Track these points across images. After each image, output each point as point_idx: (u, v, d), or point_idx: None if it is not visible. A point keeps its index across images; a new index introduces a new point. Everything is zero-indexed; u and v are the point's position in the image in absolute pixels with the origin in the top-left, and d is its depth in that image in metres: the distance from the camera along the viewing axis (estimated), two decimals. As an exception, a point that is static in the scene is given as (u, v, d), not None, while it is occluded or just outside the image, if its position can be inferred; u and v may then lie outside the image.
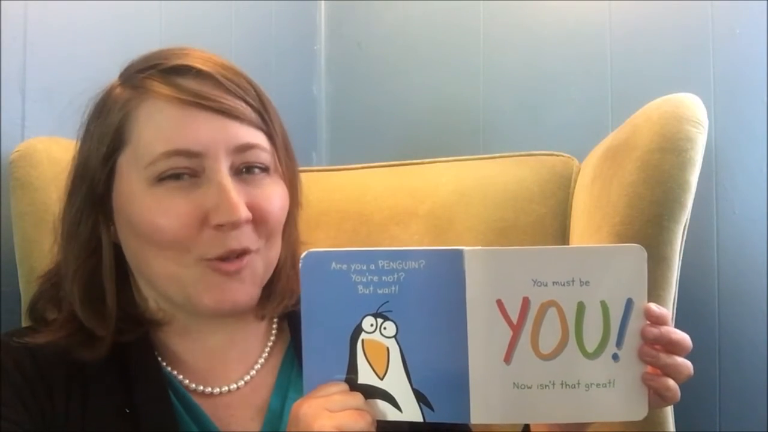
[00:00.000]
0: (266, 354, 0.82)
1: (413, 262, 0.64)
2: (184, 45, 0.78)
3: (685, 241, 0.91)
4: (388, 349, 0.65)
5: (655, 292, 0.87)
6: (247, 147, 0.73)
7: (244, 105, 0.74)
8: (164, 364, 0.77)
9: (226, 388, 0.78)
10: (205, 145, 0.71)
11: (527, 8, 1.34)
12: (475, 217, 1.08)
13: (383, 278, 0.64)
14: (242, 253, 0.73)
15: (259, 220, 0.74)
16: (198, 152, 0.71)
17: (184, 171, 0.72)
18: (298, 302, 0.81)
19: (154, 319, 0.77)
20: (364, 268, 0.64)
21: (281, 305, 0.81)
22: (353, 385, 0.65)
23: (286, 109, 0.83)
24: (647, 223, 0.88)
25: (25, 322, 0.96)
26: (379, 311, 0.65)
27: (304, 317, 0.66)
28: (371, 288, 0.65)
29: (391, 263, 0.64)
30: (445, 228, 1.09)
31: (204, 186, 0.72)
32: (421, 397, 0.65)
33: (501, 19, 1.37)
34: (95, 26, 1.12)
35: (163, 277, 0.74)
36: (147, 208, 0.72)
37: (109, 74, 0.79)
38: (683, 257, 0.91)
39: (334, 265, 0.65)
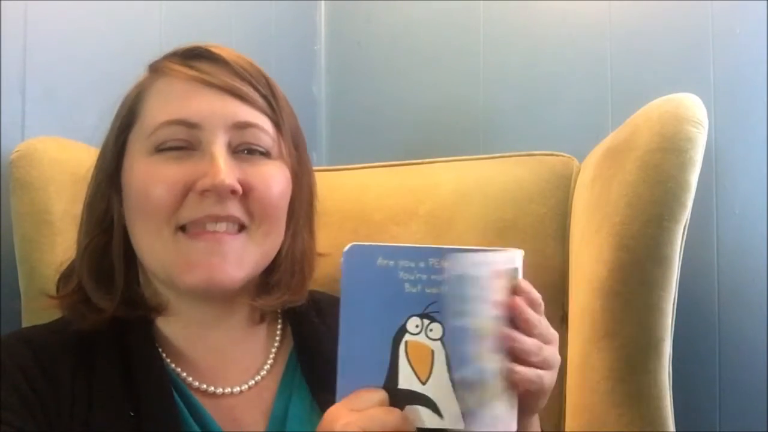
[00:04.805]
0: (271, 360, 0.81)
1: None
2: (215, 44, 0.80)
3: (685, 241, 0.91)
4: (433, 351, 0.60)
5: (655, 292, 0.87)
6: (246, 125, 0.75)
7: (252, 90, 0.76)
8: (168, 360, 0.77)
9: (230, 389, 0.77)
10: (204, 117, 0.73)
11: (527, 8, 1.34)
12: (475, 217, 1.08)
13: (432, 277, 0.60)
14: (225, 220, 0.72)
15: (250, 197, 0.74)
16: (196, 123, 0.73)
17: (182, 143, 0.73)
18: (300, 299, 0.82)
19: (151, 304, 0.77)
20: (413, 265, 0.60)
21: (280, 300, 0.80)
22: (392, 391, 0.61)
23: (286, 109, 0.82)
24: (647, 223, 0.88)
25: (25, 322, 0.96)
26: (425, 312, 0.60)
27: (343, 314, 0.61)
28: (419, 287, 0.60)
29: (442, 262, 0.60)
30: (445, 228, 1.09)
31: (197, 157, 0.73)
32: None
33: (501, 19, 1.36)
34: (95, 26, 1.12)
35: (146, 251, 0.75)
36: (142, 175, 0.74)
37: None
38: (683, 257, 0.91)
39: (380, 260, 0.60)
